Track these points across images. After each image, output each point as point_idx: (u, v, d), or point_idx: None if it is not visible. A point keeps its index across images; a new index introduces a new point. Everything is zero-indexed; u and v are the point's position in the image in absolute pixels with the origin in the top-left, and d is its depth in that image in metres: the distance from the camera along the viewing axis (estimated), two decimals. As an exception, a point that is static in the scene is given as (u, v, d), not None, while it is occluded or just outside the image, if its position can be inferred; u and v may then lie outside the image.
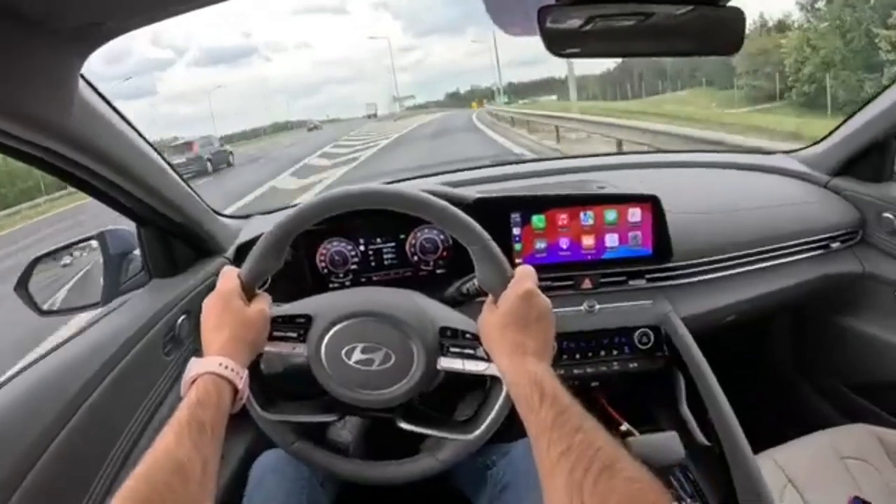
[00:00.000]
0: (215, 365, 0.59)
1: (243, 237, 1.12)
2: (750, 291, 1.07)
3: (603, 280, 1.03)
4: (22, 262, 0.90)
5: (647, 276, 1.03)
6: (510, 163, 1.72)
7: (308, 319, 0.70)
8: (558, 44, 0.65)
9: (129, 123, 0.77)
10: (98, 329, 0.83)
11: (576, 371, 0.97)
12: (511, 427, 0.68)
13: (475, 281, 0.75)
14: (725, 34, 0.68)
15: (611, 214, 1.00)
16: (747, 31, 0.70)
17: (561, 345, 0.98)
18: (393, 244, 1.05)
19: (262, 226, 1.15)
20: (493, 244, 0.64)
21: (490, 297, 0.65)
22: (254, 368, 0.67)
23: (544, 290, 0.63)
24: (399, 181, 1.41)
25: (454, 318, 0.70)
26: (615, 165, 1.45)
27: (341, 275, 1.06)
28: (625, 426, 0.96)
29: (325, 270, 1.06)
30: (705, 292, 1.05)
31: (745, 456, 0.83)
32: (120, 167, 0.75)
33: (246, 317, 0.64)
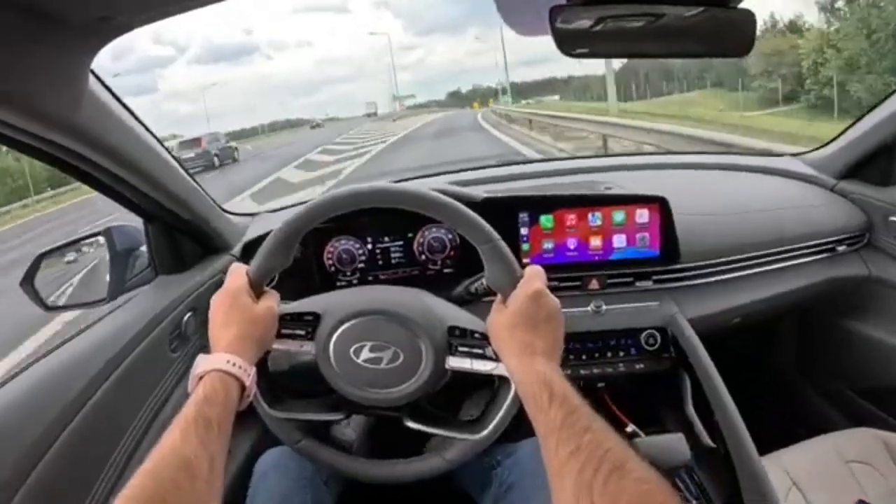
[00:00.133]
0: (223, 362, 0.59)
1: (250, 234, 1.12)
2: (756, 294, 1.07)
3: (610, 281, 1.03)
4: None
5: (654, 277, 1.03)
6: (517, 163, 1.73)
7: (316, 317, 0.70)
8: (569, 44, 0.64)
9: (137, 119, 0.77)
10: (104, 325, 0.83)
11: (582, 372, 0.97)
12: (517, 427, 0.68)
13: (483, 280, 0.75)
14: (736, 36, 0.67)
15: (619, 215, 1.00)
16: (757, 32, 0.70)
17: (567, 345, 0.97)
18: (401, 243, 1.05)
19: (270, 223, 1.15)
20: (503, 244, 0.64)
21: (499, 297, 0.65)
22: (261, 366, 0.67)
23: (551, 290, 0.63)
24: (405, 180, 1.41)
25: (463, 318, 0.70)
26: (622, 166, 1.45)
27: (349, 273, 1.06)
28: (630, 427, 0.96)
29: (333, 269, 1.06)
30: (712, 294, 1.05)
31: (750, 458, 0.83)
32: (129, 163, 0.75)
33: (254, 314, 0.64)
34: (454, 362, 0.68)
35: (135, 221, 0.96)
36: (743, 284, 1.07)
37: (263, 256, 0.67)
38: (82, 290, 1.00)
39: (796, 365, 1.41)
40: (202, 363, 0.59)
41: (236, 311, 0.64)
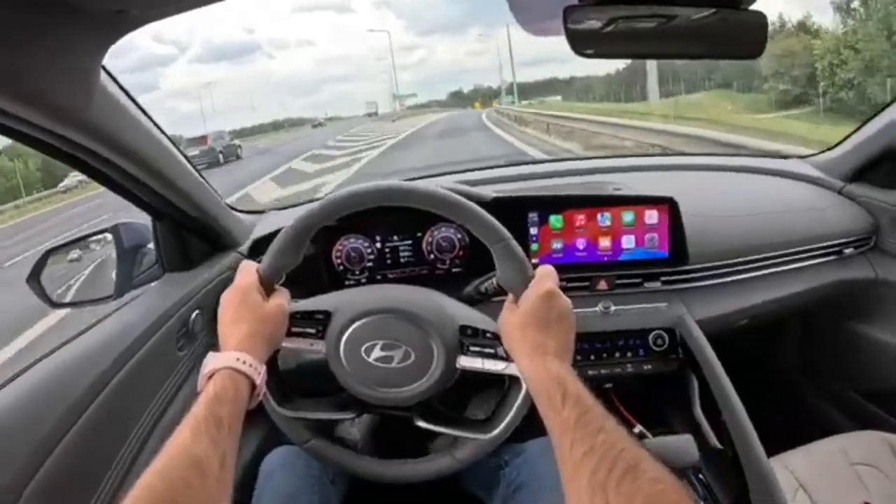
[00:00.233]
0: (233, 360, 0.58)
1: (258, 232, 1.11)
2: (764, 295, 1.07)
3: (618, 282, 1.03)
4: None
5: (663, 278, 1.03)
6: (525, 163, 1.73)
7: (327, 315, 0.70)
8: (582, 44, 0.64)
9: (148, 116, 0.76)
10: (112, 322, 0.83)
11: (590, 372, 0.97)
12: (524, 427, 0.68)
13: (494, 280, 0.75)
14: (747, 37, 0.67)
15: (628, 216, 1.00)
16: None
17: (575, 345, 0.98)
18: (409, 242, 1.05)
19: (277, 221, 1.14)
20: (515, 243, 0.64)
21: (510, 297, 0.65)
22: (271, 364, 0.67)
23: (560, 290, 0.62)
24: (411, 180, 1.41)
25: (474, 317, 0.70)
26: (629, 167, 1.45)
27: (357, 272, 1.06)
28: (638, 428, 0.96)
29: (341, 267, 1.06)
30: (719, 296, 1.05)
31: (759, 459, 0.83)
32: (138, 159, 0.74)
33: (264, 312, 0.64)
34: (465, 362, 0.67)
35: (142, 218, 0.96)
36: (750, 286, 1.07)
37: (274, 253, 0.67)
38: (89, 287, 1.00)
39: (802, 367, 1.41)
40: (212, 361, 0.59)
41: (246, 308, 0.63)
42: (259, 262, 0.68)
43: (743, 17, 0.66)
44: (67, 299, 0.96)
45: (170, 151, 0.82)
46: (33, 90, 0.52)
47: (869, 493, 0.91)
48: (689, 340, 0.96)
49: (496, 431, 0.68)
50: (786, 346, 1.42)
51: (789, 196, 1.25)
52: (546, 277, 0.63)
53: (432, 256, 1.05)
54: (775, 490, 0.80)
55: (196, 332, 0.92)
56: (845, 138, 1.27)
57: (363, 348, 0.68)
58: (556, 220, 1.00)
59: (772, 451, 0.91)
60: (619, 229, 1.00)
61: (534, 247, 1.01)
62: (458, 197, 0.66)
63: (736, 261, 1.06)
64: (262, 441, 0.96)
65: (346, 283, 1.06)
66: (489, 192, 1.02)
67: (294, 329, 0.69)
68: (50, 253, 0.92)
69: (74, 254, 0.98)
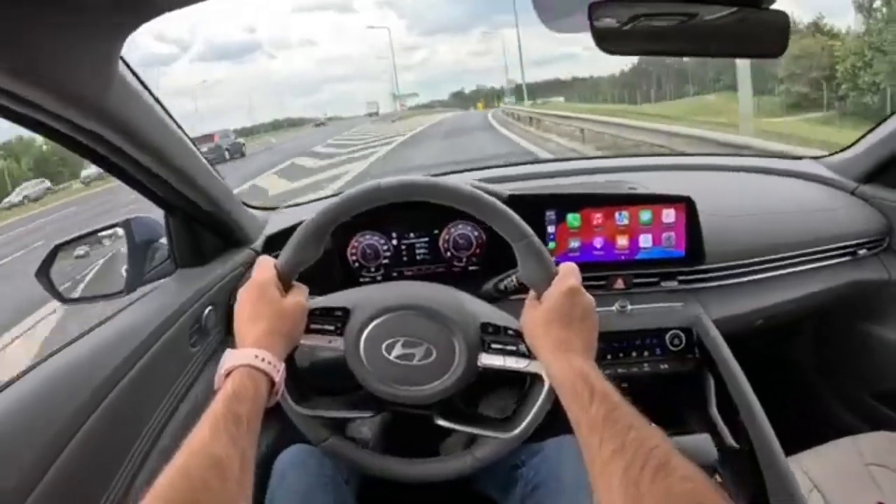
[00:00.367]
0: (251, 357, 0.57)
1: (271, 228, 1.10)
2: (780, 296, 1.07)
3: (635, 281, 1.02)
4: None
5: (680, 277, 1.02)
6: (539, 161, 1.72)
7: (346, 312, 0.69)
8: (606, 40, 0.64)
9: (164, 109, 0.75)
10: (124, 318, 0.82)
11: (606, 372, 0.96)
12: (543, 425, 0.67)
13: (514, 277, 0.74)
14: (769, 37, 0.67)
15: (645, 215, 0.99)
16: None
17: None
18: (426, 239, 1.04)
19: (290, 217, 1.14)
20: (538, 240, 0.64)
21: (532, 294, 0.65)
22: (288, 361, 0.66)
23: None
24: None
25: (495, 314, 0.69)
26: (642, 167, 1.44)
27: (372, 269, 1.05)
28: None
29: (356, 264, 1.04)
30: (736, 295, 1.05)
31: (777, 458, 0.82)
32: (155, 151, 0.73)
33: (283, 308, 0.63)
34: (487, 359, 0.67)
35: (154, 213, 0.96)
36: (766, 286, 1.07)
37: (294, 248, 0.66)
38: (99, 283, 0.99)
39: (815, 367, 1.41)
40: (230, 358, 0.58)
41: (265, 304, 0.62)
42: (276, 257, 0.67)
43: (764, 17, 0.66)
44: (77, 294, 0.96)
45: (185, 144, 0.81)
46: (53, 76, 0.51)
47: (883, 494, 0.91)
48: (706, 340, 0.96)
49: (518, 430, 0.67)
50: (801, 346, 1.42)
51: (803, 197, 1.24)
52: (570, 274, 0.62)
53: (449, 254, 1.04)
54: (794, 490, 0.80)
55: (209, 328, 0.91)
56: (859, 139, 1.27)
57: (384, 345, 0.67)
58: (573, 219, 0.99)
59: (786, 451, 0.90)
60: (637, 228, 1.00)
61: (551, 245, 1.00)
62: (482, 193, 0.65)
63: (752, 261, 1.06)
64: (275, 440, 0.95)
65: (361, 280, 1.05)
66: (505, 189, 1.01)
67: (312, 326, 0.68)
68: (59, 248, 0.91)
69: (81, 250, 0.97)
